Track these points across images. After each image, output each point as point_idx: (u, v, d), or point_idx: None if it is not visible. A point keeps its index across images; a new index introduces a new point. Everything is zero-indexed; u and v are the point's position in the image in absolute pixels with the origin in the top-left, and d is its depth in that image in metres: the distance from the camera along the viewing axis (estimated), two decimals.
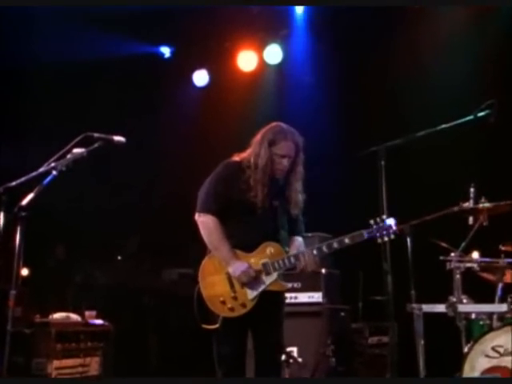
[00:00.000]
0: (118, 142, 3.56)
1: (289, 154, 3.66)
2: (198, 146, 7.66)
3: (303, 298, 6.03)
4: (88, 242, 7.60)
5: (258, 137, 3.72)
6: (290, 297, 5.95)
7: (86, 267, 7.78)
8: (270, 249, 3.59)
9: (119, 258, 8.26)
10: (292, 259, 3.58)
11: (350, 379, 5.68)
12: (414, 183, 6.52)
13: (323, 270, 6.08)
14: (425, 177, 6.50)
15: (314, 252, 3.59)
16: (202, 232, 3.64)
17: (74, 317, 6.22)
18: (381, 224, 3.57)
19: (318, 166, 6.95)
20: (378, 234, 3.57)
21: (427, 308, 4.50)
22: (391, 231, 3.58)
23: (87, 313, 6.33)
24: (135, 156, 7.15)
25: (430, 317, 4.53)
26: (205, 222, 3.61)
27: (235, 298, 3.55)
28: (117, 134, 3.61)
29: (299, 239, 3.82)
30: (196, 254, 3.79)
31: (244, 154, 3.73)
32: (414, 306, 4.50)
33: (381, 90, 6.86)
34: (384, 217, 3.58)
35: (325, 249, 3.62)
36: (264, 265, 3.57)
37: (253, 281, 3.53)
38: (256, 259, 3.58)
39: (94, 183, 7.45)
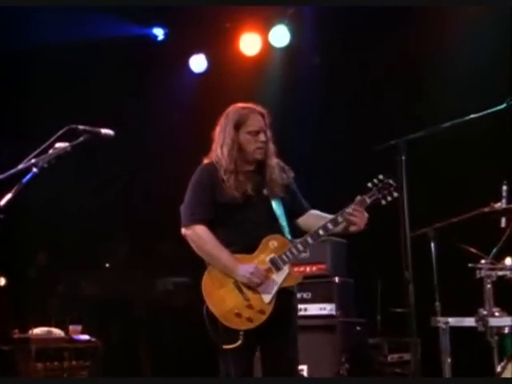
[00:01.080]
0: (106, 136, 3.52)
1: (262, 127, 3.71)
2: (194, 138, 7.59)
3: (314, 309, 6.06)
4: (72, 248, 7.60)
5: (217, 128, 3.77)
6: (299, 308, 5.94)
7: (70, 276, 7.78)
8: (272, 242, 3.61)
9: (107, 265, 8.26)
10: (300, 247, 3.60)
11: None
12: (438, 181, 6.51)
13: (336, 279, 6.09)
14: (451, 174, 6.46)
15: (320, 232, 3.60)
16: (194, 246, 3.63)
17: (57, 332, 6.22)
18: (379, 184, 3.65)
19: (326, 162, 7.19)
20: (380, 196, 3.64)
21: (454, 322, 4.49)
22: (392, 188, 3.65)
23: (71, 327, 6.33)
24: (125, 149, 7.19)
25: (457, 331, 4.52)
26: (194, 234, 3.63)
27: (250, 307, 3.53)
28: (105, 125, 3.59)
29: (313, 212, 3.83)
30: (193, 261, 3.78)
31: (212, 153, 3.78)
32: (440, 319, 4.49)
33: (399, 77, 6.84)
34: (381, 176, 3.66)
35: (330, 226, 3.62)
36: (272, 261, 3.58)
37: (265, 282, 3.55)
38: (261, 258, 3.59)
39: (78, 180, 7.45)
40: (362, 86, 7.08)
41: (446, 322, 4.47)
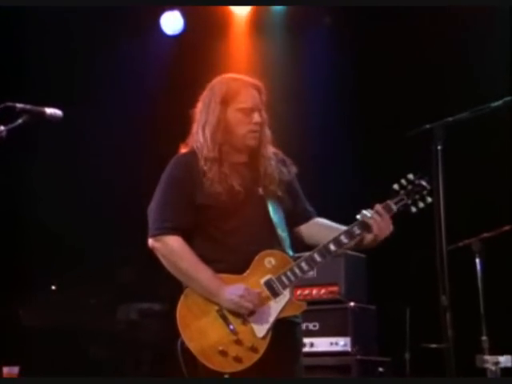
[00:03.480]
0: (52, 116, 3.51)
1: (257, 104, 3.66)
2: (168, 119, 7.66)
3: (323, 345, 6.06)
4: (5, 265, 7.59)
5: (199, 104, 3.71)
6: (304, 343, 5.95)
7: (4, 302, 7.77)
8: (268, 260, 3.57)
9: (53, 287, 8.25)
10: (305, 266, 3.55)
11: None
12: (485, 178, 6.52)
13: (352, 304, 6.09)
14: (501, 169, 6.48)
15: (331, 247, 3.56)
16: (165, 262, 3.60)
17: None
18: (409, 186, 3.63)
19: (343, 153, 7.24)
20: (409, 201, 3.62)
21: (506, 361, 4.49)
22: (425, 192, 3.63)
23: (6, 369, 6.32)
24: (76, 134, 7.20)
25: (510, 374, 4.53)
26: (165, 248, 3.59)
27: (239, 342, 3.50)
28: (56, 103, 3.57)
29: (319, 220, 3.83)
30: (165, 282, 3.76)
31: (192, 137, 3.72)
32: (487, 358, 4.50)
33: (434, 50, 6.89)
34: (410, 176, 3.64)
35: (344, 239, 3.57)
36: (268, 284, 3.54)
37: (258, 309, 3.51)
38: (254, 280, 3.55)
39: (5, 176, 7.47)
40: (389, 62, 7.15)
41: (496, 362, 4.47)
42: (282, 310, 3.54)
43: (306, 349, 5.93)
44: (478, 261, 4.84)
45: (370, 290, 6.38)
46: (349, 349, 6.00)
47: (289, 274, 3.55)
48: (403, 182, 3.64)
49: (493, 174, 6.52)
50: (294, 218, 3.78)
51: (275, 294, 3.54)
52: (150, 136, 7.69)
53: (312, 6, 7.29)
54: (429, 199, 3.63)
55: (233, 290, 3.50)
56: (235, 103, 3.63)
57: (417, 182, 3.64)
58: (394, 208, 3.60)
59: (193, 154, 3.66)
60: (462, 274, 4.26)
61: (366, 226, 3.58)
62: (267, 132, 3.75)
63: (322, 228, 3.77)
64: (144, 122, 7.70)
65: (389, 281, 6.46)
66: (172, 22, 8.10)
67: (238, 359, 3.48)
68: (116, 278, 8.10)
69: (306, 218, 3.82)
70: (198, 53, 7.78)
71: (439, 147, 4.02)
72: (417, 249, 5.65)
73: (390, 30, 7.02)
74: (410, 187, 3.63)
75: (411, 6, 6.66)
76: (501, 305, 4.68)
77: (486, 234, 4.92)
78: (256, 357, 3.49)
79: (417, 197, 3.63)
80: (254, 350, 3.49)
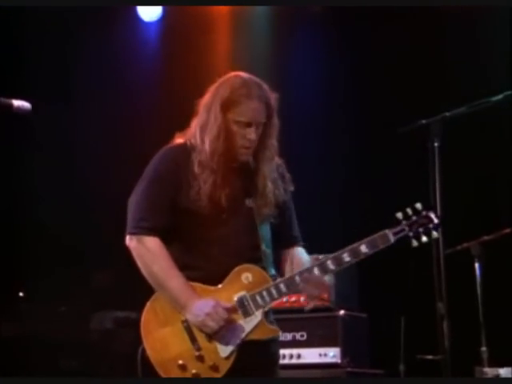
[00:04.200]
0: (20, 109, 3.48)
1: (256, 119, 3.60)
2: (145, 113, 7.68)
3: (311, 356, 6.05)
4: None
5: (207, 97, 3.69)
6: (289, 355, 5.98)
7: None
8: (246, 275, 3.57)
9: (21, 294, 8.22)
10: (283, 288, 3.54)
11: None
12: (484, 178, 6.55)
13: (342, 312, 6.10)
14: (501, 168, 6.51)
15: (315, 271, 3.54)
16: (139, 263, 3.59)
17: None
18: (414, 217, 3.54)
19: (331, 151, 7.25)
20: (411, 234, 3.53)
21: (507, 374, 4.51)
22: (431, 226, 3.53)
23: None
24: (49, 131, 7.18)
25: None
26: (141, 248, 3.60)
27: (201, 359, 3.52)
28: (24, 95, 3.55)
29: (298, 251, 3.80)
30: (142, 287, 3.76)
31: (190, 130, 3.70)
32: (487, 370, 4.52)
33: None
34: (418, 205, 3.54)
35: (331, 265, 3.55)
36: (240, 301, 3.55)
37: (225, 327, 3.50)
38: (226, 294, 3.56)
39: None
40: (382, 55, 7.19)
41: (496, 375, 4.49)
42: (250, 332, 3.54)
43: (293, 361, 5.95)
44: (477, 265, 4.86)
45: (362, 297, 6.39)
46: (339, 360, 5.99)
47: (264, 293, 3.55)
48: (408, 211, 3.54)
49: (493, 174, 6.55)
50: (278, 241, 3.77)
51: (246, 313, 3.54)
52: (126, 134, 7.70)
53: (310, 5, 7.32)
54: (435, 234, 3.53)
55: (200, 306, 3.50)
56: (233, 113, 3.59)
57: (424, 213, 3.54)
58: (392, 239, 3.52)
59: (184, 148, 3.65)
60: (460, 280, 4.29)
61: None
62: (271, 146, 3.69)
63: (290, 260, 3.75)
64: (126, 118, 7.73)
65: (382, 287, 6.47)
66: (150, 8, 8.08)
67: (197, 376, 3.50)
68: (89, 284, 8.09)
69: (289, 244, 3.80)
70: (176, 40, 7.79)
71: (436, 144, 4.05)
72: (412, 253, 5.67)
73: (383, 24, 7.07)
74: (414, 218, 3.53)
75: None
76: (501, 313, 4.70)
77: (485, 237, 4.94)
78: (216, 376, 3.50)
79: (421, 230, 3.52)
80: (215, 368, 3.51)
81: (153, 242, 3.59)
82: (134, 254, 3.62)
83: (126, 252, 3.72)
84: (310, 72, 7.45)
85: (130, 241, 3.64)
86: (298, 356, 6.03)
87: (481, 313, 4.64)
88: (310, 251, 3.86)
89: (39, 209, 7.86)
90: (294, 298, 6.15)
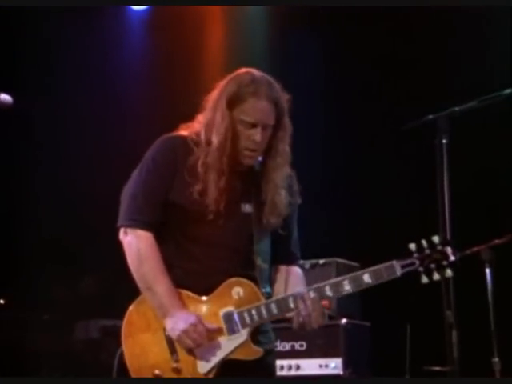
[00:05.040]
0: (1, 103, 3.50)
1: (263, 120, 3.54)
2: (137, 107, 7.71)
3: (311, 367, 6.05)
4: None
5: (214, 93, 3.64)
6: (288, 366, 5.97)
7: None
8: (237, 290, 3.55)
9: (1, 301, 8.21)
10: (275, 309, 3.51)
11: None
12: (495, 178, 6.56)
13: (344, 320, 6.10)
14: None
15: (311, 294, 3.49)
16: (130, 259, 3.58)
17: None
18: (427, 251, 3.43)
19: (329, 150, 7.27)
20: (421, 269, 3.43)
21: None
22: (446, 263, 3.42)
23: None
24: (32, 125, 7.25)
25: None
26: (135, 243, 3.58)
27: (178, 371, 3.51)
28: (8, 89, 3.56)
29: (295, 270, 3.77)
30: (132, 293, 3.76)
31: (195, 125, 3.67)
32: None
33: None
34: (435, 238, 3.42)
35: (328, 292, 3.51)
36: (227, 317, 3.53)
37: (206, 345, 3.49)
38: (214, 307, 3.54)
39: None
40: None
41: None
42: (233, 351, 3.51)
43: (292, 372, 5.96)
44: (487, 271, 4.86)
45: (365, 304, 6.38)
46: (340, 372, 6.00)
47: (253, 312, 3.52)
48: (423, 243, 3.43)
49: (504, 174, 6.55)
50: (275, 255, 3.73)
51: (232, 330, 3.52)
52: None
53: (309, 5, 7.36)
54: (448, 272, 3.41)
55: (180, 319, 3.48)
56: (238, 111, 3.55)
57: (439, 247, 3.42)
58: (399, 272, 3.43)
59: (185, 141, 3.62)
60: (470, 286, 4.29)
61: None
62: (283, 152, 3.66)
63: (284, 280, 3.72)
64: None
65: (386, 293, 6.45)
66: None
67: None
68: (74, 290, 8.08)
69: (286, 260, 3.76)
70: (168, 34, 7.81)
71: (444, 141, 4.03)
72: None
73: (388, 22, 7.15)
74: (427, 252, 3.42)
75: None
76: None
77: (496, 241, 4.93)
78: None
79: (432, 266, 3.41)
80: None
81: (147, 240, 3.58)
82: (126, 249, 3.60)
83: (113, 255, 3.71)
84: (309, 69, 7.46)
85: (123, 234, 3.61)
86: (297, 367, 6.03)
87: (492, 321, 4.64)
88: (308, 256, 3.83)
89: (22, 213, 7.88)
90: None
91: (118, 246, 3.67)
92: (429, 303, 3.99)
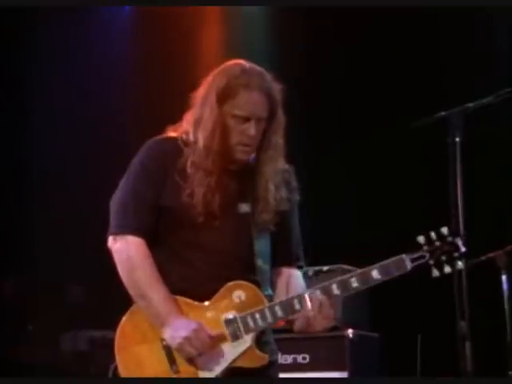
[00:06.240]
0: None
1: (256, 113, 3.57)
2: (135, 107, 7.75)
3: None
4: None
5: (202, 88, 3.67)
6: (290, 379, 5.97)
7: None
8: (238, 293, 3.56)
9: None
10: (279, 311, 3.52)
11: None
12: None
13: (350, 332, 6.13)
14: None
15: (317, 294, 3.51)
16: (121, 267, 3.59)
17: None
18: (437, 243, 3.48)
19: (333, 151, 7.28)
20: (431, 262, 3.47)
21: None
22: (457, 254, 3.48)
23: None
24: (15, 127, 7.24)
25: None
26: (126, 251, 3.60)
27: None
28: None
29: (295, 273, 3.78)
30: (123, 301, 3.79)
31: (183, 124, 3.69)
32: None
33: None
34: (444, 230, 3.48)
35: (336, 290, 3.52)
36: (229, 322, 3.54)
37: (208, 352, 3.50)
38: (215, 312, 3.55)
39: None
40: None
41: None
42: (237, 359, 3.52)
43: None
44: (504, 278, 4.87)
45: (373, 314, 6.43)
46: None
47: (257, 316, 3.52)
48: (432, 235, 3.47)
49: None
50: (274, 256, 3.74)
51: (235, 336, 3.52)
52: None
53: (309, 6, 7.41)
54: (459, 264, 3.47)
55: (180, 326, 3.49)
56: (230, 106, 3.56)
57: (449, 239, 3.47)
58: (409, 266, 3.45)
59: (175, 143, 3.65)
60: (485, 295, 4.31)
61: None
62: (276, 145, 3.67)
63: (285, 283, 3.73)
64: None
65: (395, 302, 6.48)
66: None
67: None
68: (60, 299, 8.10)
69: (285, 261, 3.77)
70: (165, 28, 7.94)
71: (457, 139, 4.05)
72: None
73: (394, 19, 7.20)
74: (437, 244, 3.46)
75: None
76: None
77: None
78: None
79: (443, 258, 3.45)
80: None
81: (138, 246, 3.59)
82: (116, 257, 3.61)
83: (101, 263, 3.73)
84: (315, 66, 7.50)
85: (113, 242, 3.62)
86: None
87: (508, 332, 4.65)
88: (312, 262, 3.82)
89: (5, 214, 7.93)
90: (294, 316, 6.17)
91: (107, 254, 3.67)
92: (441, 313, 4.01)
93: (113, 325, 3.76)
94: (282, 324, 3.64)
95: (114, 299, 3.78)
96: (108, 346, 8.10)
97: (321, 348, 6.04)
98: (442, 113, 4.09)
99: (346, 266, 6.09)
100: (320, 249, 5.91)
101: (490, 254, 5.04)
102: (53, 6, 7.44)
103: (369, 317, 6.42)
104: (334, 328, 6.13)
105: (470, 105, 4.10)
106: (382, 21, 7.24)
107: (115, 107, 7.93)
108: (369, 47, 7.36)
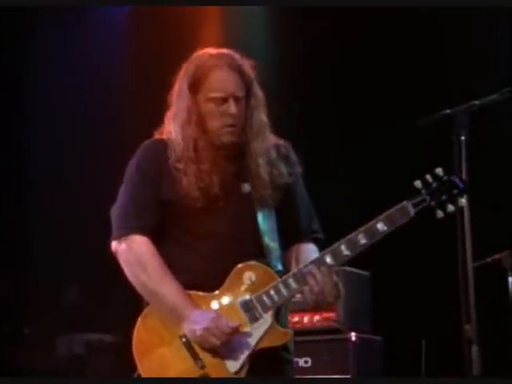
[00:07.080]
0: None
1: (231, 91, 3.59)
2: (134, 107, 7.76)
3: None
4: None
5: (176, 85, 3.72)
6: None
7: None
8: (248, 275, 3.56)
9: None
10: (293, 283, 3.51)
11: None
12: None
13: (353, 336, 6.11)
14: None
15: (327, 259, 3.51)
16: (128, 269, 3.59)
17: None
18: (435, 184, 3.49)
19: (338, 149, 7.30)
20: (433, 203, 3.48)
21: None
22: (457, 191, 3.48)
23: None
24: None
25: None
26: (129, 251, 3.60)
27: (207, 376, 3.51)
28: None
29: (305, 247, 3.77)
30: (120, 304, 3.76)
31: (165, 124, 3.73)
32: None
33: None
34: (439, 170, 3.48)
35: (345, 250, 3.51)
36: (245, 305, 3.53)
37: (230, 341, 3.49)
38: (228, 300, 3.55)
39: None
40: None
41: None
42: (260, 339, 3.51)
43: None
44: (510, 280, 4.87)
45: (376, 317, 6.39)
46: None
47: (272, 292, 3.52)
48: (428, 178, 3.49)
49: None
50: (283, 234, 3.73)
51: (254, 318, 3.52)
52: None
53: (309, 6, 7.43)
54: (463, 201, 3.50)
55: (198, 318, 3.48)
56: (204, 90, 3.60)
57: (445, 178, 3.49)
58: (412, 212, 3.47)
59: (163, 143, 3.67)
60: (492, 297, 4.29)
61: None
62: (258, 121, 3.69)
63: (294, 259, 3.70)
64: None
65: (399, 305, 6.48)
66: None
67: None
68: (57, 302, 8.10)
69: (296, 237, 3.77)
70: (164, 28, 7.99)
71: (463, 138, 4.03)
72: (435, 265, 5.65)
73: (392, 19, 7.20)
74: (435, 185, 3.49)
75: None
76: None
77: None
78: None
79: (444, 197, 3.47)
80: None
81: (144, 244, 3.60)
82: (123, 258, 3.61)
83: (98, 266, 3.71)
84: (314, 66, 7.52)
85: (117, 244, 3.63)
86: None
87: None
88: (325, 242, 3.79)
89: (4, 215, 7.94)
90: (296, 318, 6.15)
91: (104, 257, 3.70)
92: (446, 316, 3.99)
93: (109, 327, 3.76)
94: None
95: (111, 302, 3.77)
96: (105, 350, 8.13)
97: (323, 351, 6.04)
98: (447, 111, 4.08)
99: (349, 268, 6.07)
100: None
101: (496, 256, 5.05)
102: (52, 6, 7.50)
103: (371, 320, 6.38)
104: (336, 331, 6.15)
105: (476, 102, 4.09)
106: (386, 20, 7.25)
107: (114, 107, 7.94)
108: (369, 47, 7.38)
